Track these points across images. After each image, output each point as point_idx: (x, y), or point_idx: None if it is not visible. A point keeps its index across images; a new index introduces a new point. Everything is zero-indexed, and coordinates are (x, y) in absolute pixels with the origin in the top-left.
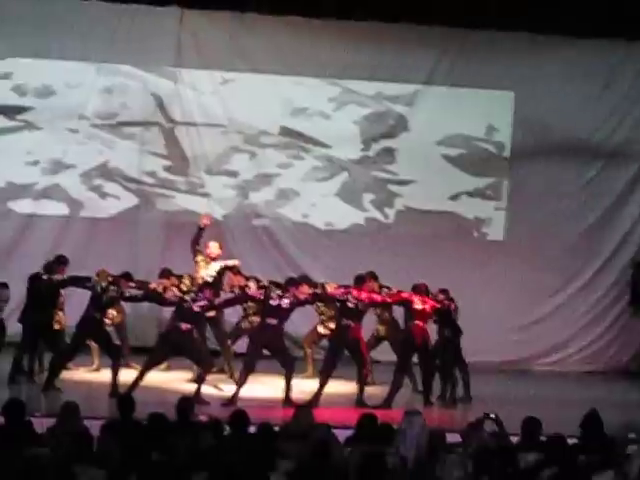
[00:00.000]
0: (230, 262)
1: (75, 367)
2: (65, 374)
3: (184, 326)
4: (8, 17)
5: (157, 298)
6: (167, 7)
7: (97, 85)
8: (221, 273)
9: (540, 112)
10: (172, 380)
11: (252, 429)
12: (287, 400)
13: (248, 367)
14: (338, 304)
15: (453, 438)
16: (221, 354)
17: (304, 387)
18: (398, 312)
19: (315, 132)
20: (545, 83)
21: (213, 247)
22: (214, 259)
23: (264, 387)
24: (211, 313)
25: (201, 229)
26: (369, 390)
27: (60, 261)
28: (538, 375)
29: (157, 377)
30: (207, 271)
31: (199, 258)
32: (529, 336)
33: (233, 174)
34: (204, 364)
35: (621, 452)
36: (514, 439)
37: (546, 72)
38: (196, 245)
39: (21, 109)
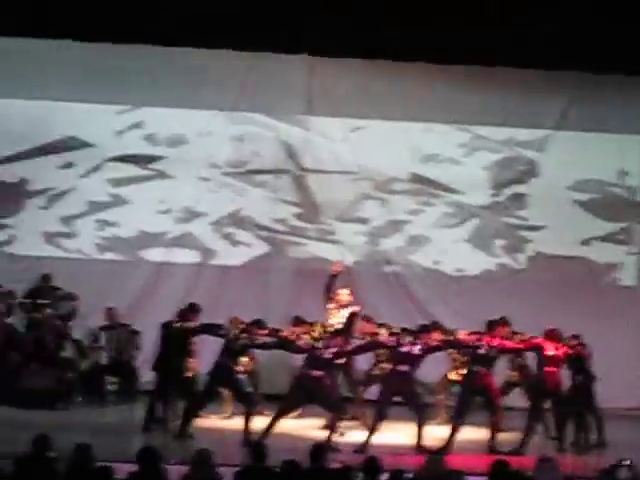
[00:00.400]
0: (352, 308)
1: (208, 415)
2: (198, 422)
3: (316, 373)
4: (140, 67)
5: (289, 346)
6: (297, 55)
7: (228, 133)
8: (350, 320)
9: None
10: (304, 427)
11: (384, 476)
12: (419, 447)
13: (380, 414)
14: (470, 350)
15: None
16: (353, 401)
17: (436, 434)
18: (530, 358)
19: (445, 178)
20: None
21: (343, 294)
22: (345, 306)
23: (396, 434)
24: (342, 360)
25: (333, 276)
26: (502, 436)
27: (193, 309)
28: None
29: (289, 424)
30: (338, 319)
31: (331, 305)
32: None
33: (363, 221)
34: (336, 411)
35: None
36: None
37: None
38: (328, 292)
39: (153, 158)
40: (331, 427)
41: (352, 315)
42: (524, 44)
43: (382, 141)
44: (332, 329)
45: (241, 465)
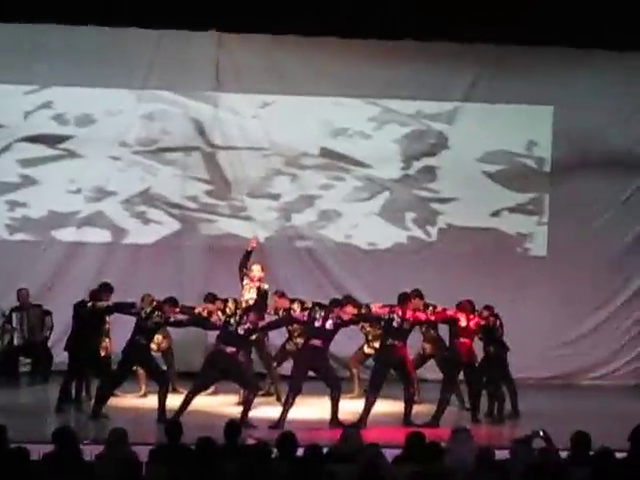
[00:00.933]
0: (264, 284)
1: (122, 394)
2: (112, 401)
3: (229, 349)
4: (47, 46)
5: (202, 322)
6: (205, 32)
7: (137, 112)
8: (263, 296)
9: (580, 126)
10: (219, 404)
11: (300, 451)
12: (335, 421)
13: (294, 389)
14: (383, 323)
15: (502, 455)
16: (267, 377)
17: (351, 408)
18: (443, 330)
19: (355, 152)
20: (584, 97)
21: (256, 270)
22: (257, 282)
23: (311, 409)
24: (256, 336)
25: (249, 252)
26: (416, 409)
27: (105, 288)
28: (584, 390)
29: (204, 402)
30: (251, 294)
31: (245, 282)
32: (574, 351)
33: (275, 197)
34: (250, 387)
35: None
36: (563, 454)
37: (585, 86)
38: (244, 269)
39: (62, 138)
40: (245, 403)
41: (264, 291)
42: (431, 17)
43: (292, 116)
44: (245, 305)
45: (156, 443)
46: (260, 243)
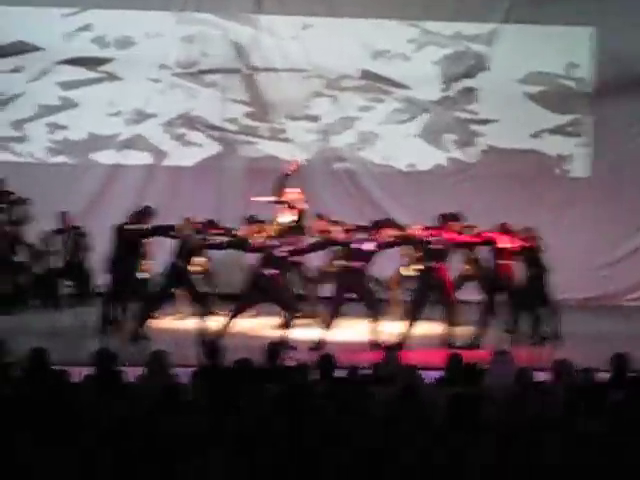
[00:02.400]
0: (302, 206)
1: (163, 316)
2: (153, 323)
3: (269, 272)
4: None
5: (242, 245)
6: None
7: (177, 34)
8: (301, 217)
9: (622, 46)
10: (259, 326)
11: (340, 373)
12: (374, 343)
13: (334, 311)
14: (422, 245)
15: (542, 376)
16: (307, 299)
17: (391, 329)
18: (484, 252)
19: (395, 74)
20: (627, 16)
21: (293, 192)
22: (295, 204)
23: (351, 331)
24: (295, 258)
25: (286, 175)
26: (456, 330)
27: (145, 211)
28: (627, 311)
29: (244, 324)
30: (289, 217)
31: (282, 205)
32: (616, 272)
33: (314, 119)
34: (290, 309)
35: None
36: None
37: (625, 5)
38: (279, 191)
39: (102, 60)
40: (286, 325)
41: (302, 212)
42: None
43: (332, 38)
44: (285, 227)
45: (197, 365)
46: (300, 166)
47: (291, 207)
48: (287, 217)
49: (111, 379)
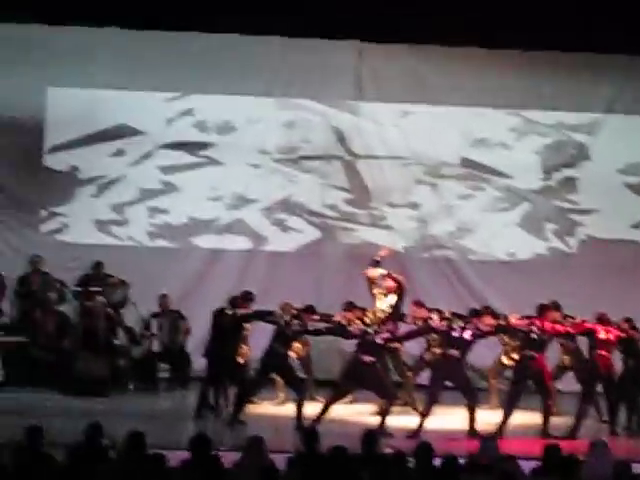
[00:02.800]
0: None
1: (260, 401)
2: (250, 408)
3: (367, 359)
4: (189, 54)
5: (341, 331)
6: (346, 41)
7: (278, 120)
8: (396, 305)
9: None
10: (356, 413)
11: (437, 461)
12: (472, 431)
13: (431, 399)
14: (521, 335)
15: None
16: (403, 386)
17: (489, 419)
18: (582, 342)
19: (495, 163)
20: None
21: (375, 272)
22: (392, 291)
23: (448, 419)
24: (394, 345)
25: (377, 262)
26: (554, 421)
27: (245, 296)
28: None
29: (342, 410)
30: (385, 304)
31: (375, 290)
32: None
33: (414, 206)
34: (388, 396)
35: None
36: None
37: None
38: (372, 279)
39: (203, 145)
40: (383, 412)
41: (398, 288)
42: (573, 28)
43: (432, 126)
44: (383, 314)
45: (294, 451)
46: (399, 253)
47: (389, 292)
48: (385, 303)
49: (207, 464)
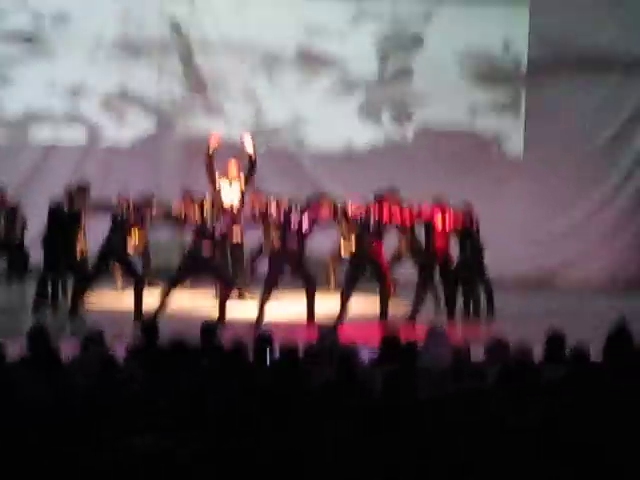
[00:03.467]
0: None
1: (99, 291)
2: (89, 299)
3: (206, 247)
4: None
5: (179, 221)
6: None
7: (113, 9)
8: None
9: (557, 24)
10: (196, 305)
11: (277, 350)
12: (310, 317)
13: (270, 287)
14: (359, 222)
15: (477, 354)
16: (242, 275)
17: (328, 305)
18: (420, 230)
19: (332, 51)
20: None
21: (232, 167)
22: (234, 179)
23: (287, 307)
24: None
25: (211, 157)
26: (392, 307)
27: (81, 188)
28: (560, 290)
29: (181, 301)
30: (232, 194)
31: (221, 181)
32: (549, 250)
33: (251, 96)
34: (226, 284)
35: None
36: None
37: None
38: (212, 169)
39: (38, 36)
40: (221, 303)
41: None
42: None
43: (268, 15)
44: (222, 203)
45: (133, 343)
46: (235, 143)
47: (233, 180)
48: (231, 193)
49: (46, 356)
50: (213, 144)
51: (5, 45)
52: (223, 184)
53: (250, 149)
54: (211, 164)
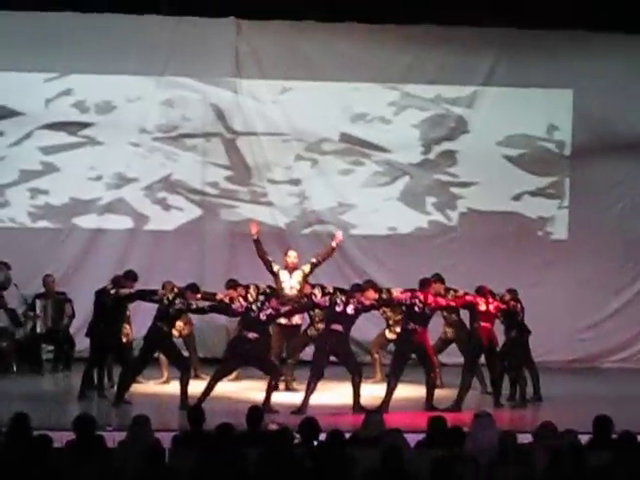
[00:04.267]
0: (306, 267)
1: (145, 380)
2: (135, 387)
3: (251, 335)
4: (67, 34)
5: (224, 309)
6: (224, 18)
7: (157, 98)
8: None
9: (600, 109)
10: (242, 390)
11: (322, 437)
12: (357, 406)
13: (316, 374)
14: (404, 308)
15: (524, 439)
16: (288, 362)
17: (373, 392)
18: (465, 314)
19: (375, 137)
20: (603, 79)
21: (292, 256)
22: (295, 268)
23: (333, 394)
24: (286, 321)
25: (257, 240)
26: (438, 393)
27: (128, 276)
28: (606, 373)
29: (227, 388)
30: (293, 280)
31: (276, 268)
32: (596, 334)
33: (295, 182)
34: (272, 372)
35: None
36: (585, 438)
37: (604, 68)
38: (265, 256)
39: (82, 125)
40: (268, 389)
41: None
42: (451, 1)
43: (311, 102)
44: (268, 291)
45: (179, 430)
46: (280, 229)
47: (293, 269)
48: (290, 282)
49: (92, 444)
50: (253, 230)
51: (50, 134)
52: (282, 275)
53: (335, 244)
54: (260, 249)
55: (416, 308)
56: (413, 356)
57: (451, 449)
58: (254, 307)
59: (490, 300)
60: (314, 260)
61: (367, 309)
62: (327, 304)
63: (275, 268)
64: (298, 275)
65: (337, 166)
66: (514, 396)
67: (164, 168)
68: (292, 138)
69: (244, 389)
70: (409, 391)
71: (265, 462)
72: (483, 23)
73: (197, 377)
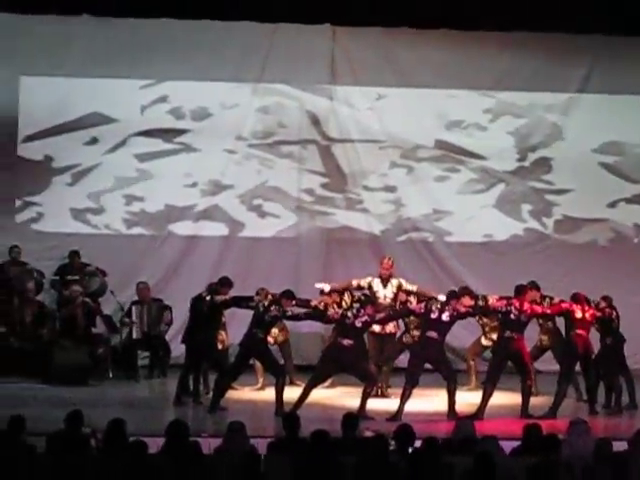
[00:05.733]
0: (408, 286)
1: (240, 387)
2: (230, 394)
3: (346, 342)
4: (163, 41)
5: (319, 316)
6: (319, 25)
7: (253, 105)
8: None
9: None
10: (337, 397)
11: (417, 443)
12: (452, 413)
13: (411, 381)
14: (500, 315)
15: (620, 447)
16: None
17: (468, 399)
18: (560, 322)
19: (470, 144)
20: None
21: (388, 264)
22: (390, 276)
23: (428, 401)
24: (380, 329)
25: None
26: (534, 401)
27: (223, 283)
28: None
29: (322, 394)
30: (385, 291)
31: (368, 279)
32: None
33: (391, 189)
34: (368, 379)
35: None
36: None
37: None
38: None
39: (178, 132)
40: (363, 396)
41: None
42: (546, 8)
43: (406, 108)
44: (363, 298)
45: (275, 436)
46: (376, 236)
47: (389, 277)
48: (387, 290)
49: (185, 450)
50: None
51: (146, 140)
52: (375, 284)
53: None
54: (339, 290)
55: (512, 315)
56: (509, 363)
57: (546, 456)
58: (349, 314)
59: (586, 308)
60: (417, 290)
61: (462, 316)
62: (422, 311)
63: (367, 280)
64: (393, 285)
65: (432, 173)
66: (609, 404)
67: (260, 175)
68: (387, 145)
69: (339, 396)
70: (505, 398)
71: (361, 469)
72: (577, 29)
73: (292, 384)
